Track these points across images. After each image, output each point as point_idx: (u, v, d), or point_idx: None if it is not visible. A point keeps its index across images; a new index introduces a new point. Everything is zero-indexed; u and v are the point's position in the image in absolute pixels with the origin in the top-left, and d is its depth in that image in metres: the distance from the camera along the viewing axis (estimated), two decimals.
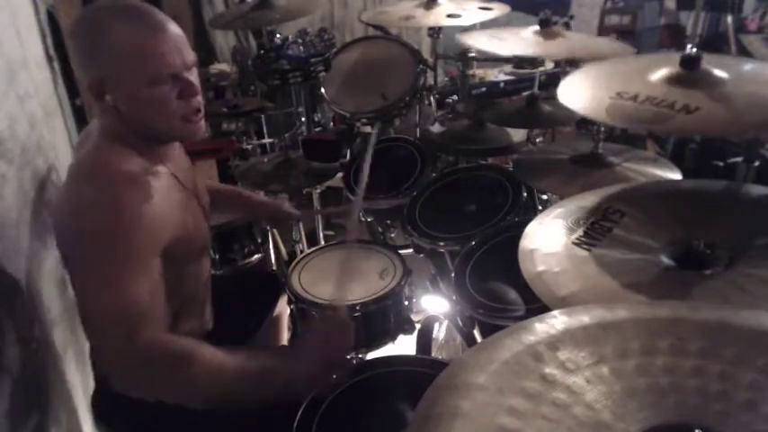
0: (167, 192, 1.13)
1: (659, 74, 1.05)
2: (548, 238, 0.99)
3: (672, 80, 1.03)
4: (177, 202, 1.18)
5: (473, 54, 2.23)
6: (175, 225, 1.13)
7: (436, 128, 2.20)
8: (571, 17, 3.34)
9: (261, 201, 1.78)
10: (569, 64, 2.24)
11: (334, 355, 1.13)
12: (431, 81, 2.43)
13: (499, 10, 2.08)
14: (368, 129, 2.33)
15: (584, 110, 1.05)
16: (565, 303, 0.83)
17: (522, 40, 1.70)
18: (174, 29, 1.07)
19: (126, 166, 1.07)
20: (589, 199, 1.08)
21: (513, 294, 1.35)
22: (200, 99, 1.12)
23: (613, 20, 4.00)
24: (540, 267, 0.92)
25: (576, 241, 0.96)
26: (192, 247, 1.24)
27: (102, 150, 1.10)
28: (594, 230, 0.98)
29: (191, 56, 1.09)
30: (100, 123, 1.15)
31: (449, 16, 2.06)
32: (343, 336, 1.15)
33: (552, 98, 1.96)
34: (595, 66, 1.20)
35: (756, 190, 1.04)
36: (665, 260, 0.90)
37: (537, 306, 1.23)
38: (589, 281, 0.88)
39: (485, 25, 2.17)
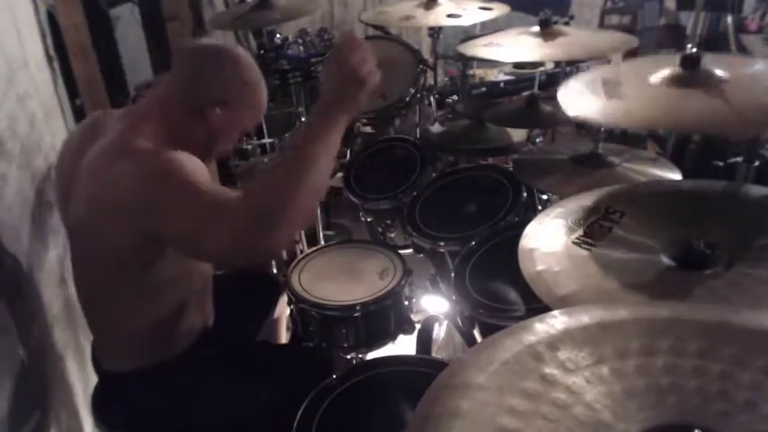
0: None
1: (660, 75, 1.05)
2: (548, 237, 0.99)
3: (672, 81, 1.03)
4: None
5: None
6: None
7: (436, 128, 2.20)
8: (571, 17, 3.35)
9: None
10: (569, 63, 2.24)
11: (355, 58, 1.09)
12: (431, 81, 2.43)
13: (499, 10, 2.08)
14: (368, 129, 2.33)
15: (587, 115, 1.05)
16: (564, 303, 0.83)
17: (522, 44, 1.70)
18: None
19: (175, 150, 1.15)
20: (589, 199, 1.08)
21: (513, 294, 1.35)
22: None
23: (613, 20, 4.00)
24: (540, 267, 0.92)
25: (576, 241, 0.96)
26: None
27: (148, 139, 1.15)
28: (594, 230, 0.98)
29: None
30: (157, 111, 1.21)
31: (449, 16, 2.06)
32: (352, 42, 1.11)
33: (552, 98, 1.96)
34: (595, 71, 1.20)
35: (756, 190, 1.04)
36: (665, 260, 0.90)
37: (537, 306, 1.23)
38: (589, 280, 0.88)
39: (485, 26, 2.17)
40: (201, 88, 1.23)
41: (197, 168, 1.10)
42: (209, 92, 1.22)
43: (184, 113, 1.22)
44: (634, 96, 1.04)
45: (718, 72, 1.02)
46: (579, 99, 1.08)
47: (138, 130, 1.15)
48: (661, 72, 1.05)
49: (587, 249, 0.94)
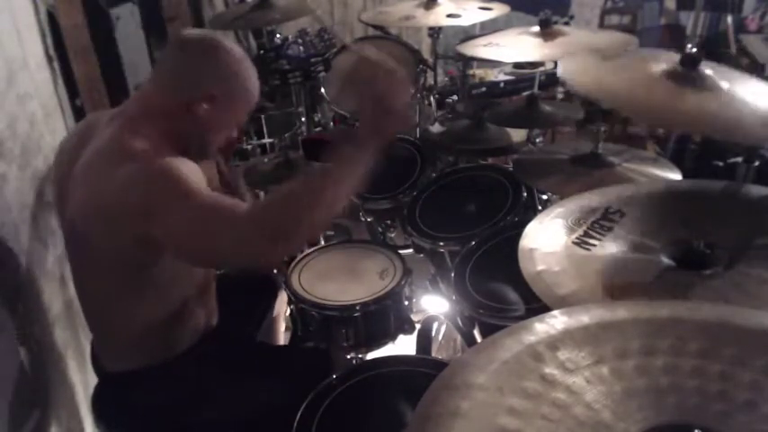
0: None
1: (660, 67, 1.06)
2: (548, 237, 0.99)
3: (672, 76, 1.03)
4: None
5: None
6: None
7: (436, 128, 2.20)
8: (571, 17, 3.34)
9: None
10: None
11: (387, 96, 1.10)
12: (431, 81, 2.43)
13: (499, 10, 2.08)
14: None
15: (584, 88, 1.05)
16: (564, 303, 0.83)
17: (521, 45, 1.70)
18: None
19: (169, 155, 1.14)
20: (589, 198, 1.08)
21: (513, 294, 1.35)
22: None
23: (613, 20, 4.00)
24: (540, 267, 0.92)
25: (576, 241, 0.96)
26: None
27: (144, 141, 1.13)
28: (595, 230, 0.98)
29: None
30: (144, 111, 1.18)
31: (449, 16, 2.06)
32: (400, 86, 1.13)
33: (552, 98, 1.96)
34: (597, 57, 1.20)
35: (756, 190, 1.04)
36: (665, 260, 0.89)
37: (537, 306, 1.23)
38: (589, 280, 0.88)
39: (485, 26, 2.17)
40: (185, 84, 1.19)
41: (192, 172, 1.10)
42: (194, 87, 1.19)
43: (172, 111, 1.19)
44: (634, 83, 1.05)
45: (718, 80, 1.03)
46: (581, 74, 1.09)
47: (131, 131, 1.13)
48: (661, 65, 1.06)
49: (587, 249, 0.94)
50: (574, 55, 1.16)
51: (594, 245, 0.95)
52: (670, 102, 1.00)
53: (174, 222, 1.04)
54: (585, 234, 0.97)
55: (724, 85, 1.03)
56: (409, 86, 1.12)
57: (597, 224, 0.99)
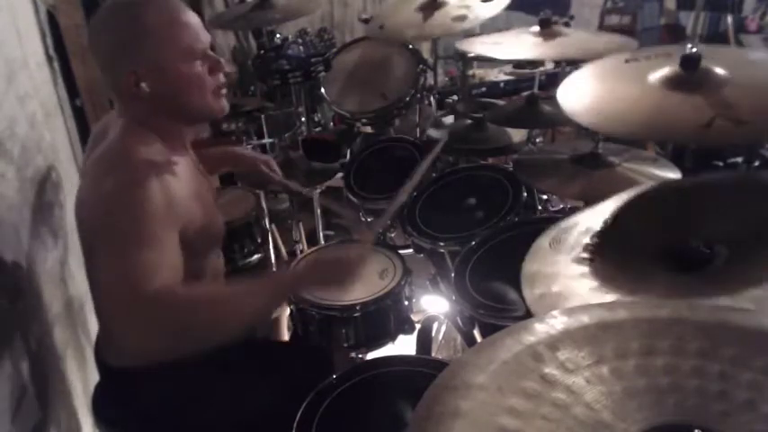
0: (187, 178, 1.17)
1: (658, 75, 1.05)
2: (547, 259, 0.97)
3: (671, 83, 1.02)
4: (196, 189, 1.20)
5: (473, 54, 2.22)
6: (193, 210, 1.16)
7: (434, 132, 2.20)
8: (571, 17, 3.34)
9: (242, 154, 1.71)
10: (569, 63, 2.23)
11: (335, 272, 1.13)
12: (431, 81, 2.43)
13: (500, 3, 2.06)
14: (368, 129, 2.33)
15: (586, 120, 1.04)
16: None
17: (521, 43, 1.70)
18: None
19: (148, 155, 1.10)
20: (587, 216, 1.06)
21: (513, 294, 1.35)
22: (223, 75, 1.18)
23: (613, 20, 4.00)
24: (539, 290, 0.90)
25: (576, 260, 0.95)
26: (209, 233, 1.26)
27: (127, 140, 1.11)
28: (593, 243, 0.96)
29: (209, 37, 1.17)
30: (125, 120, 1.16)
31: (454, 20, 2.04)
32: (351, 262, 1.14)
33: (552, 98, 1.96)
34: (594, 68, 1.20)
35: (761, 177, 1.02)
36: (665, 260, 0.89)
37: None
38: (590, 295, 0.86)
39: (485, 26, 2.16)
40: (113, 72, 1.11)
41: (164, 204, 1.04)
42: (121, 68, 1.09)
43: (130, 102, 1.13)
44: (634, 102, 1.04)
45: (718, 71, 1.01)
46: (579, 102, 1.08)
47: (132, 133, 1.13)
48: (659, 72, 1.05)
49: (587, 265, 0.92)
50: (573, 81, 1.15)
51: (593, 259, 0.93)
52: (673, 115, 0.98)
53: (103, 259, 1.02)
54: (585, 250, 0.96)
55: (724, 73, 1.00)
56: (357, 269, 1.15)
57: (594, 237, 0.98)
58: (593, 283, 0.88)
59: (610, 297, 0.83)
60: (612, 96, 1.06)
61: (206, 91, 1.15)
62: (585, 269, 0.92)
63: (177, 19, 1.11)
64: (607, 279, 0.88)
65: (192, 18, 1.13)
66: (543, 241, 1.01)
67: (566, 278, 0.91)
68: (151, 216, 1.02)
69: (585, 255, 0.94)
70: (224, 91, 1.20)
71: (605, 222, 0.98)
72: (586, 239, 0.97)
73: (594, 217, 1.01)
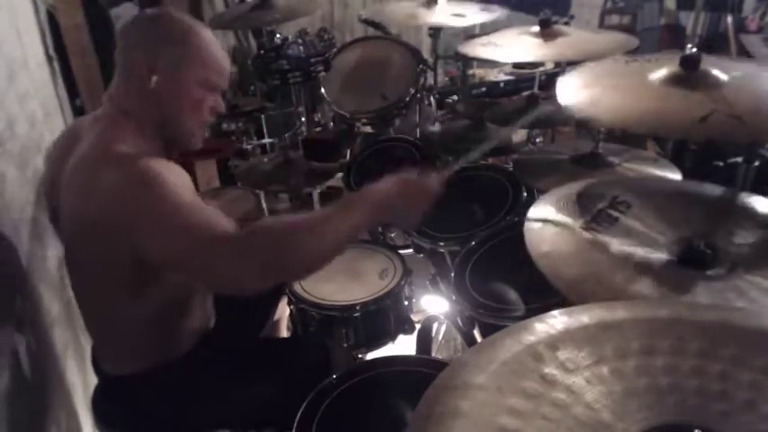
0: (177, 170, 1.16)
1: (659, 74, 1.05)
2: (556, 219, 1.00)
3: (671, 81, 1.03)
4: (185, 182, 1.19)
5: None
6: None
7: (436, 127, 2.20)
8: (571, 17, 3.34)
9: None
10: (570, 64, 2.23)
11: (419, 197, 1.15)
12: (431, 81, 2.43)
13: (499, 11, 2.08)
14: (368, 129, 2.33)
15: (583, 111, 1.05)
16: (569, 285, 0.85)
17: (522, 44, 1.70)
18: None
19: (138, 147, 1.11)
20: (597, 185, 1.08)
21: (513, 294, 1.35)
22: (214, 117, 1.25)
23: (613, 20, 4.01)
24: (547, 248, 0.92)
25: (584, 226, 0.97)
26: None
27: (115, 133, 1.12)
28: (602, 218, 0.98)
29: (228, 83, 1.25)
30: (110, 119, 1.16)
31: (454, 15, 2.06)
32: (431, 191, 1.18)
33: (552, 98, 1.96)
34: (595, 66, 1.20)
35: (762, 203, 1.04)
36: (668, 256, 0.90)
37: (537, 306, 1.23)
38: (593, 266, 0.88)
39: (485, 26, 2.16)
40: (128, 63, 1.16)
41: (178, 178, 1.07)
42: (135, 62, 1.14)
43: (132, 99, 1.16)
44: (633, 96, 1.04)
45: (718, 74, 1.02)
46: (578, 95, 1.09)
47: (112, 134, 1.12)
48: (660, 71, 1.05)
49: (593, 236, 0.94)
50: (571, 76, 1.16)
51: (600, 232, 0.95)
52: (673, 106, 0.99)
53: (157, 237, 1.02)
54: (592, 220, 0.98)
55: (724, 78, 1.01)
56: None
57: (604, 212, 1.00)
58: (597, 256, 0.90)
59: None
60: (612, 90, 1.07)
61: (198, 119, 1.21)
62: (590, 237, 0.94)
63: (215, 52, 1.19)
64: (610, 255, 0.90)
65: (226, 61, 1.23)
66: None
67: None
68: (176, 186, 1.05)
69: (593, 224, 0.95)
70: (205, 128, 1.26)
71: (614, 199, 1.00)
72: (596, 210, 0.99)
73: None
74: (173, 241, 1.02)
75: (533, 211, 1.02)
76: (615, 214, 0.99)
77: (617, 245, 0.92)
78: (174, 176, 1.06)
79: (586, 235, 0.94)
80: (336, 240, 1.06)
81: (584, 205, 1.01)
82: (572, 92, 1.10)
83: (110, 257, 1.10)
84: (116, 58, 1.19)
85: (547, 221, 1.00)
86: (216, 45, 1.20)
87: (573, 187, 1.08)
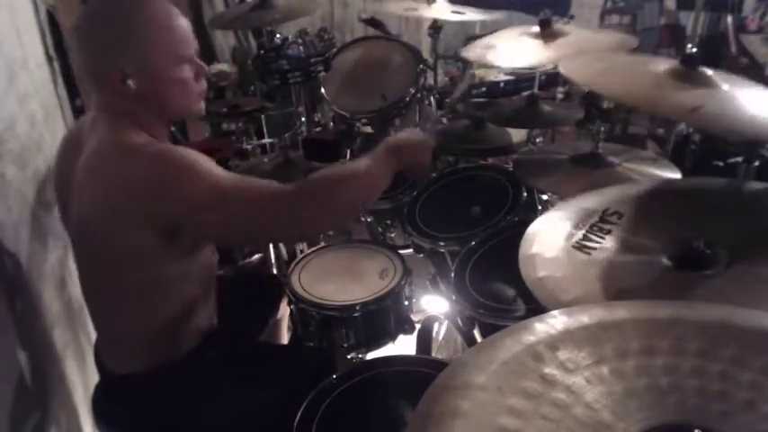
0: None
1: (661, 66, 1.06)
2: (547, 242, 0.99)
3: (672, 73, 1.04)
4: None
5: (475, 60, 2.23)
6: None
7: (436, 127, 2.20)
8: (571, 17, 3.35)
9: None
10: None
11: (423, 149, 1.33)
12: (431, 81, 2.43)
13: (471, 15, 2.09)
14: (368, 129, 2.33)
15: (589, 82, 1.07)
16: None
17: (522, 47, 1.70)
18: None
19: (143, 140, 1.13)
20: (586, 201, 1.08)
21: (513, 294, 1.35)
22: (205, 80, 1.25)
23: (613, 20, 4.00)
24: (542, 273, 0.91)
25: (576, 245, 0.96)
26: None
27: (120, 132, 1.12)
28: (594, 233, 0.98)
29: (196, 43, 1.21)
30: (108, 115, 1.15)
31: (454, 12, 2.06)
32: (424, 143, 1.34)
33: (552, 98, 1.96)
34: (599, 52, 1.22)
35: (756, 187, 1.03)
36: (665, 261, 0.89)
37: (537, 306, 1.22)
38: (591, 285, 0.87)
39: (485, 26, 2.16)
40: (100, 66, 1.12)
41: (207, 160, 1.11)
42: (110, 62, 1.10)
43: (117, 99, 1.13)
44: (634, 78, 1.05)
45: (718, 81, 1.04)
46: (582, 69, 1.10)
47: (119, 126, 1.13)
48: (662, 64, 1.07)
49: (587, 254, 0.93)
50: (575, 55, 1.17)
51: (594, 248, 0.94)
52: (670, 93, 1.01)
53: (216, 212, 1.07)
54: (585, 238, 0.97)
55: (724, 86, 1.03)
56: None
57: (596, 227, 0.99)
58: (593, 272, 0.89)
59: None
60: (616, 70, 1.08)
61: (191, 94, 1.20)
62: (585, 257, 0.93)
63: (171, 24, 1.13)
64: (606, 270, 0.89)
65: (184, 23, 1.16)
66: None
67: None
68: (209, 164, 1.09)
69: (585, 242, 0.95)
70: (204, 94, 1.25)
71: (604, 212, 1.00)
72: (587, 227, 0.99)
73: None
74: (233, 211, 1.08)
75: (525, 241, 1.01)
76: (607, 227, 0.98)
77: (612, 259, 0.92)
78: (200, 157, 1.10)
79: (580, 255, 0.94)
80: (373, 187, 1.22)
81: (574, 224, 1.01)
82: (577, 67, 1.11)
83: (129, 248, 1.11)
84: (79, 69, 1.18)
85: (538, 246, 0.99)
86: (167, 15, 1.13)
87: (561, 208, 1.08)
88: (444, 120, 2.26)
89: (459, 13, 2.05)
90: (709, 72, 1.05)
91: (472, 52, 1.78)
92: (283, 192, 1.11)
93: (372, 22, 2.59)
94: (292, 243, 1.17)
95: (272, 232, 1.20)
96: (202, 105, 1.25)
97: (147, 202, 1.06)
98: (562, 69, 1.12)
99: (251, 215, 1.10)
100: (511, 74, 3.38)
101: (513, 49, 1.72)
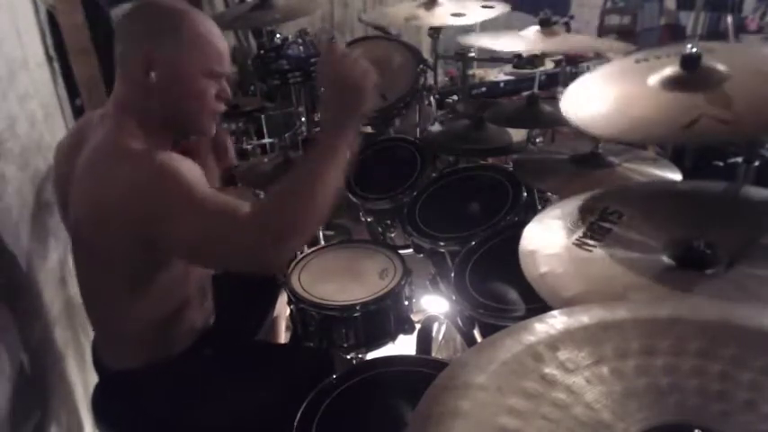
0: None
1: (659, 75, 1.05)
2: (548, 239, 0.99)
3: (669, 82, 1.02)
4: None
5: (473, 54, 2.22)
6: None
7: (436, 127, 2.20)
8: (571, 17, 3.35)
9: None
10: (570, 63, 2.23)
11: (343, 68, 1.15)
12: (431, 81, 2.43)
13: (501, 8, 2.08)
14: (368, 129, 2.33)
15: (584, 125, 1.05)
16: (570, 305, 0.83)
17: (521, 39, 1.70)
18: None
19: (146, 144, 1.13)
20: (586, 199, 1.08)
21: (513, 294, 1.35)
22: (224, 104, 1.23)
23: (613, 20, 4.01)
24: (544, 269, 0.92)
25: (577, 242, 0.96)
26: None
27: (122, 134, 1.12)
28: (594, 231, 0.98)
29: (230, 69, 1.24)
30: (116, 115, 1.16)
31: (453, 15, 2.06)
32: (332, 53, 1.19)
33: (552, 98, 1.96)
34: (596, 75, 1.20)
35: (756, 192, 1.04)
36: (666, 260, 0.89)
37: (537, 306, 1.23)
38: (592, 283, 0.87)
39: (485, 26, 2.16)
40: (125, 59, 1.15)
41: (191, 170, 1.09)
42: (142, 48, 1.11)
43: (135, 95, 1.15)
44: (628, 104, 1.04)
45: (719, 66, 1.01)
46: (583, 108, 1.09)
47: (122, 129, 1.13)
48: (662, 72, 1.05)
49: (588, 251, 0.94)
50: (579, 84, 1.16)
51: (595, 246, 0.95)
52: (661, 116, 0.98)
53: (178, 228, 1.05)
54: (585, 235, 0.97)
55: (725, 69, 1.00)
56: (370, 68, 1.19)
57: (596, 225, 0.99)
58: (594, 270, 0.89)
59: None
60: (612, 100, 1.07)
61: (205, 109, 1.19)
62: (586, 254, 0.93)
63: (213, 39, 1.16)
64: (607, 268, 0.89)
65: (224, 46, 1.19)
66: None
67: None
68: (193, 177, 1.07)
69: (586, 240, 0.95)
70: (218, 117, 1.25)
71: (604, 210, 1.00)
72: (588, 225, 0.99)
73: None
74: (193, 229, 1.05)
75: (525, 237, 1.01)
76: (607, 225, 0.99)
77: (613, 257, 0.92)
78: (188, 169, 1.08)
79: (581, 252, 0.94)
80: (331, 186, 1.09)
81: (574, 221, 1.01)
82: (577, 104, 1.10)
83: (119, 249, 1.11)
84: (115, 58, 1.19)
85: (539, 243, 0.99)
86: (212, 30, 1.16)
87: (561, 206, 1.08)
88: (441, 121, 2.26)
89: (459, 15, 2.05)
90: (716, 65, 1.01)
91: (471, 41, 1.77)
92: (254, 213, 1.05)
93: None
94: (271, 268, 1.09)
95: (246, 253, 1.08)
96: (213, 127, 1.24)
97: (126, 206, 1.06)
98: (566, 112, 1.11)
99: (223, 232, 1.06)
100: (511, 74, 3.38)
101: (512, 41, 1.72)
